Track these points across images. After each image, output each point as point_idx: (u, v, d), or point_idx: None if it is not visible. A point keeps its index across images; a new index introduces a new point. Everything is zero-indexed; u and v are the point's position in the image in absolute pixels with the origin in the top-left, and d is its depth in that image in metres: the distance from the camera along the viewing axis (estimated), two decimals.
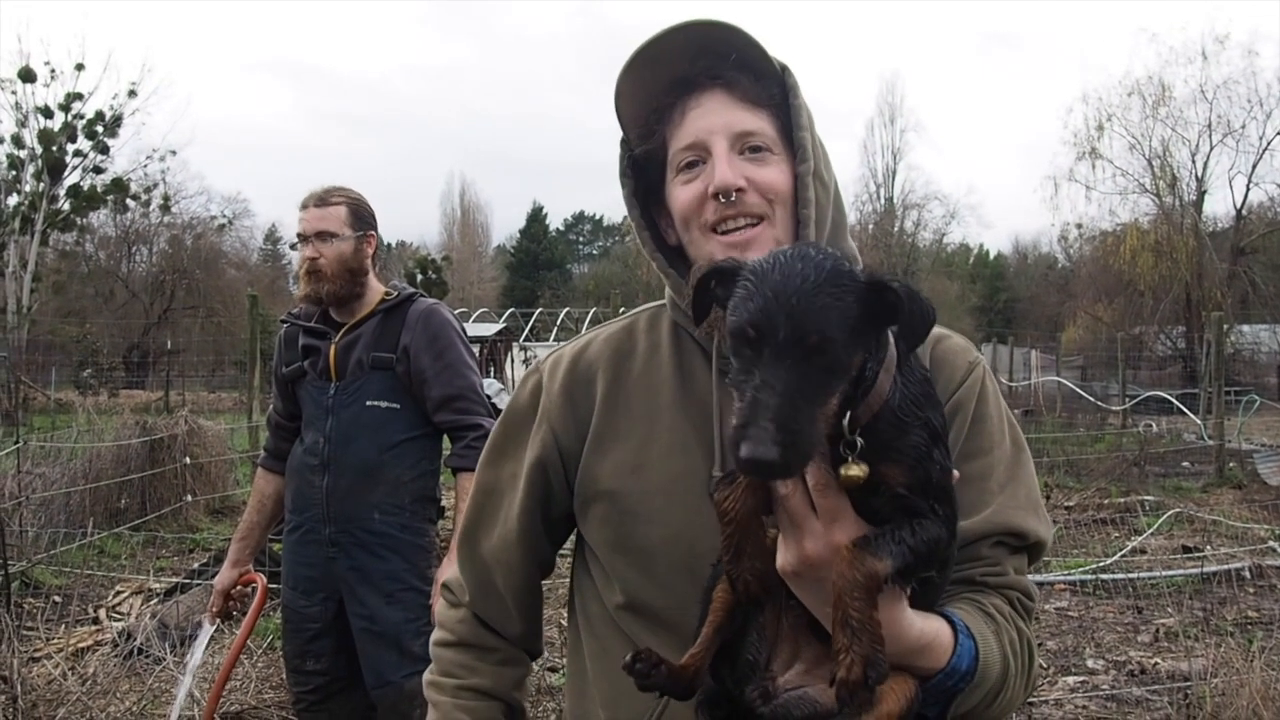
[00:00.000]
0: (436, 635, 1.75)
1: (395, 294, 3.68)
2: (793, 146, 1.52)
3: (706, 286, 1.19)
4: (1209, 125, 36.93)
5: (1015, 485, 1.51)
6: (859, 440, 1.13)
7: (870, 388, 1.13)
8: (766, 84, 1.53)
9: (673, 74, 1.52)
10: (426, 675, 1.72)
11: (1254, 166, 36.93)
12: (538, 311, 43.10)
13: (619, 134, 1.63)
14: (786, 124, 1.53)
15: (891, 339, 1.17)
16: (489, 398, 8.84)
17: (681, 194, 1.53)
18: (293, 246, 3.67)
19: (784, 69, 1.54)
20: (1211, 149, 37.34)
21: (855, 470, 1.12)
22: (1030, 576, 1.54)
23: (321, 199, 3.60)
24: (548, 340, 36.26)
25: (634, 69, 1.52)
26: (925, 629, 1.25)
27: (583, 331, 1.80)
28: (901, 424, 1.15)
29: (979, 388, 1.56)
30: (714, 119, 1.50)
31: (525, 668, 1.73)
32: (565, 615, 1.81)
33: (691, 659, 1.30)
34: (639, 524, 1.52)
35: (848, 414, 1.12)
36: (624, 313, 1.76)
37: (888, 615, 1.18)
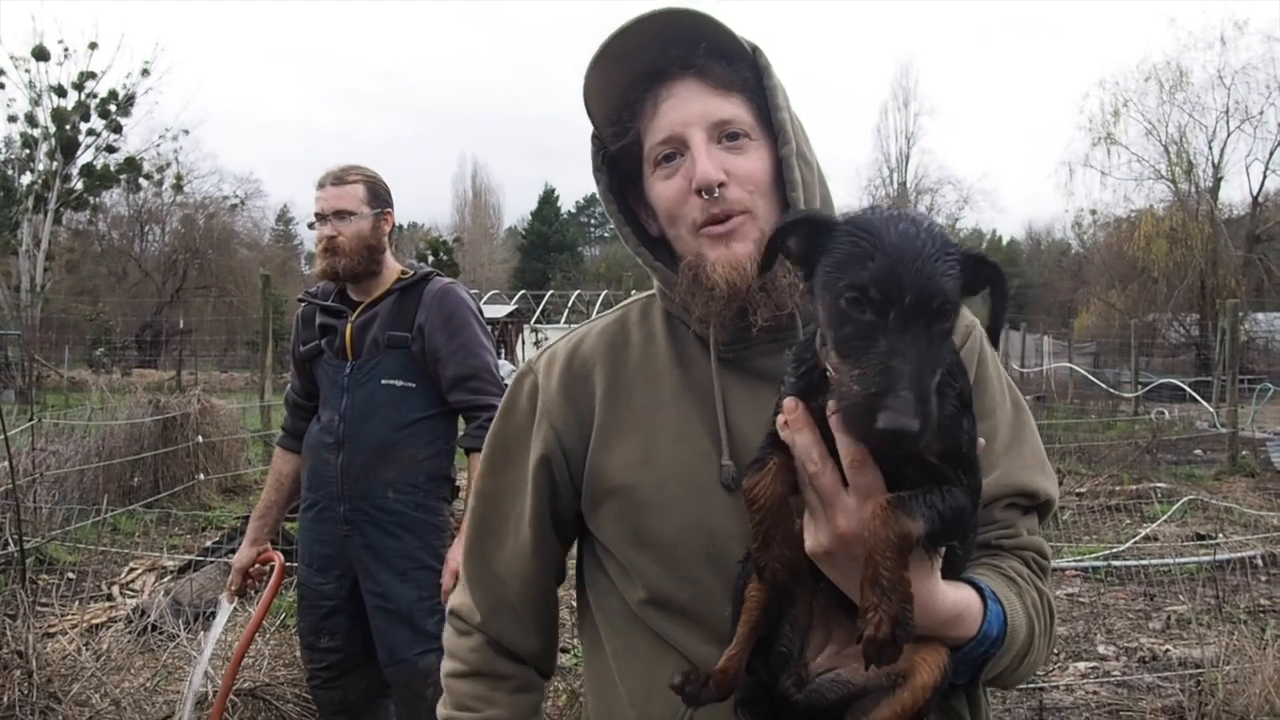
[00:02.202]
0: (448, 665, 1.69)
1: (411, 273, 3.68)
2: (770, 128, 1.49)
3: (783, 240, 1.15)
4: (1226, 111, 36.65)
5: (1020, 445, 1.50)
6: None
7: None
8: (739, 67, 1.48)
9: (641, 66, 1.48)
10: (440, 710, 1.66)
11: (1271, 153, 36.65)
12: (549, 294, 43.05)
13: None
14: (762, 106, 1.49)
15: None
16: (502, 379, 8.84)
17: (663, 190, 1.49)
18: (310, 225, 3.66)
19: (755, 50, 1.50)
20: (1229, 135, 37.09)
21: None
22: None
23: (339, 178, 3.60)
24: (559, 322, 36.25)
25: (601, 64, 1.48)
26: (957, 599, 1.24)
27: (595, 314, 1.77)
28: (939, 393, 1.11)
29: (979, 350, 1.54)
30: (688, 109, 1.46)
31: (540, 692, 1.69)
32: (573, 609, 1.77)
33: (729, 660, 1.28)
34: (653, 516, 1.49)
35: None
36: (635, 295, 1.74)
37: (921, 586, 1.17)
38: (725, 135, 1.46)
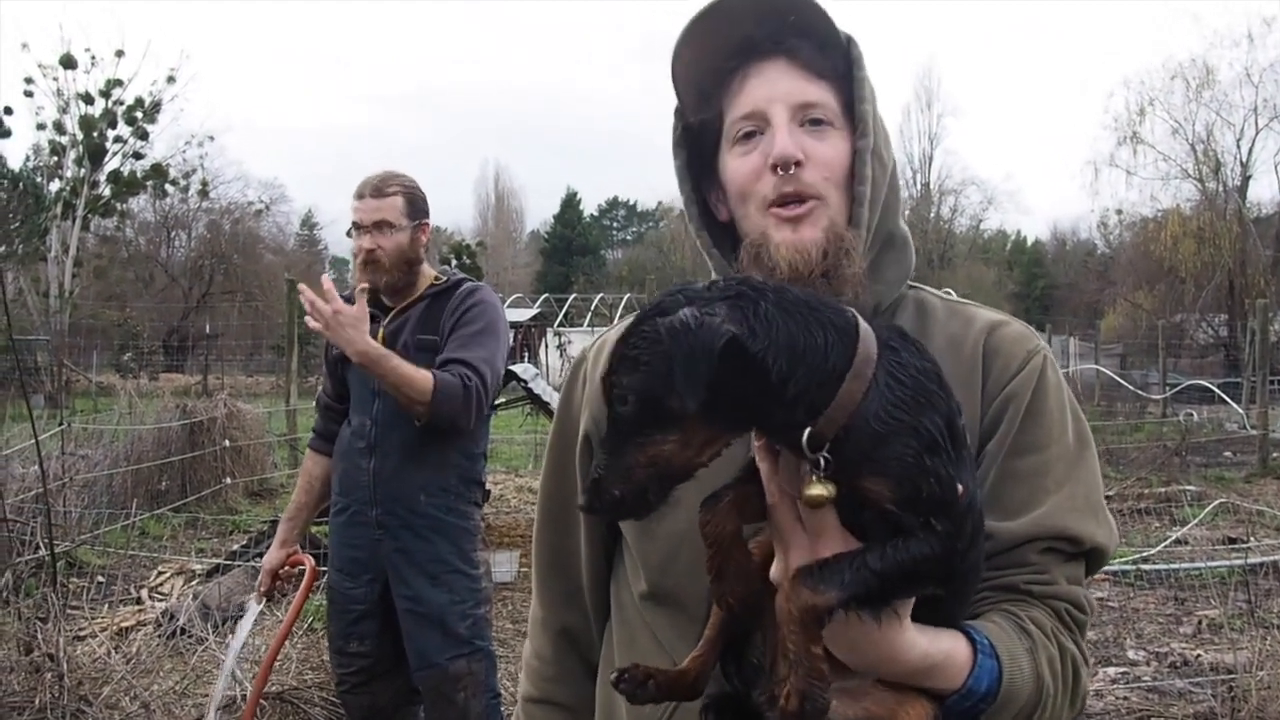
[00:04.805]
0: (526, 651, 1.76)
1: (444, 280, 3.70)
2: (853, 120, 1.46)
3: None
4: (1254, 109, 36.33)
5: (1073, 485, 1.40)
6: (824, 458, 1.06)
7: (815, 401, 1.06)
8: (830, 54, 1.46)
9: (733, 40, 1.46)
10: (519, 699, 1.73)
11: None
12: (572, 297, 43.13)
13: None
14: (848, 97, 1.47)
15: (871, 339, 1.10)
16: (525, 382, 8.77)
17: (738, 165, 1.47)
18: (348, 234, 3.67)
19: (849, 40, 1.48)
20: (1257, 133, 36.77)
21: (817, 490, 1.06)
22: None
23: (378, 189, 3.59)
24: (582, 325, 36.29)
25: (694, 33, 1.46)
26: (932, 650, 1.18)
27: (618, 318, 1.78)
28: (880, 435, 1.06)
29: (1036, 378, 1.44)
30: (775, 88, 1.44)
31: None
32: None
33: (693, 662, 1.28)
34: (667, 510, 1.50)
35: (806, 431, 1.06)
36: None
37: (882, 636, 1.14)
38: (809, 119, 1.44)
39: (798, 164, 1.42)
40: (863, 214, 1.44)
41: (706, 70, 1.50)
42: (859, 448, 1.07)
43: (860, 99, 1.46)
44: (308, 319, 3.35)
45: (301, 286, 3.30)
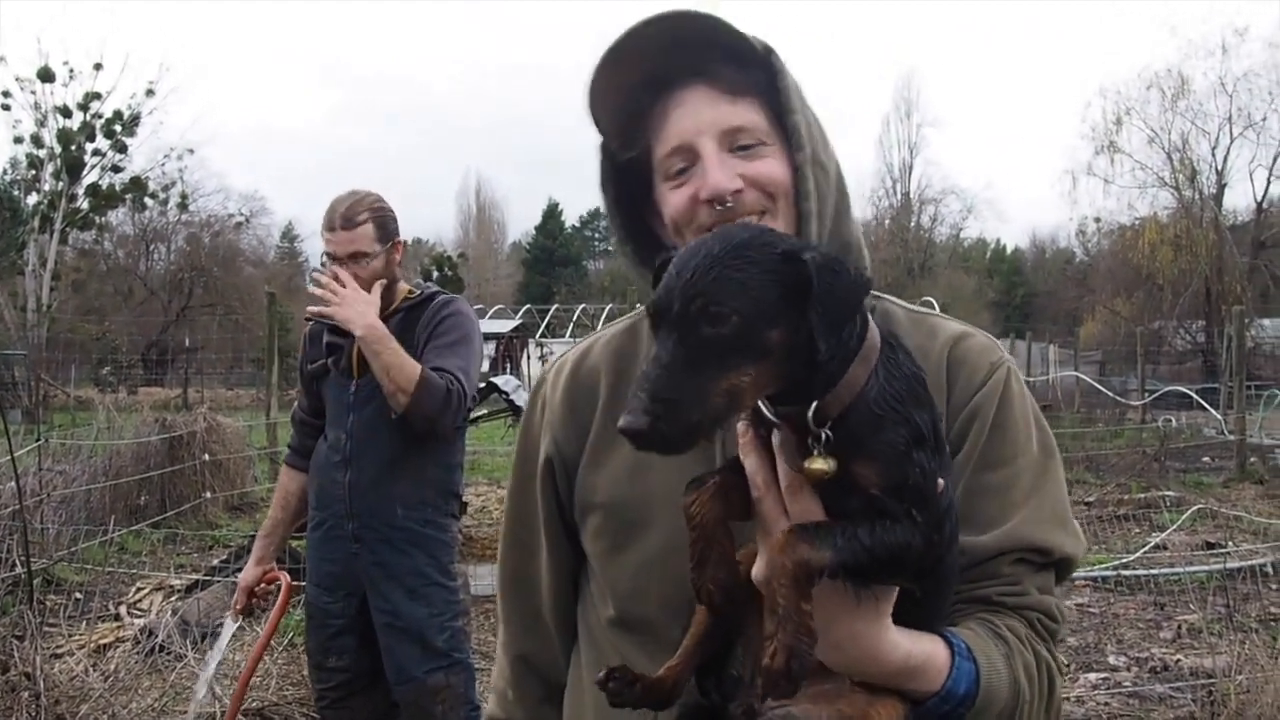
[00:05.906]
0: (493, 679, 1.76)
1: (418, 293, 3.69)
2: (786, 132, 1.43)
3: (657, 273, 1.14)
4: (1229, 118, 36.80)
5: (1040, 497, 1.40)
6: (827, 434, 1.08)
7: (833, 375, 1.07)
8: (750, 70, 1.42)
9: (648, 71, 1.42)
10: None
11: (1275, 159, 36.88)
12: (554, 308, 43.10)
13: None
14: (776, 109, 1.43)
15: (876, 331, 1.12)
16: (506, 394, 8.78)
17: (673, 199, 1.43)
18: (321, 263, 3.61)
19: (768, 50, 1.44)
20: (1232, 142, 37.25)
21: (820, 464, 1.07)
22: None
23: (348, 219, 3.51)
24: (564, 336, 36.27)
25: (607, 69, 1.42)
26: (914, 651, 1.18)
27: (594, 332, 1.74)
28: (877, 420, 1.08)
29: (1001, 391, 1.43)
30: (699, 118, 1.40)
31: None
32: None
33: (669, 671, 1.27)
34: (636, 532, 1.47)
35: (813, 405, 1.07)
36: (640, 307, 1.71)
37: (865, 631, 1.14)
38: (738, 144, 1.41)
39: (736, 192, 1.39)
40: (811, 229, 1.41)
41: (625, 105, 1.46)
42: (856, 429, 1.09)
43: (789, 110, 1.42)
44: (311, 288, 3.41)
45: (316, 274, 3.39)
